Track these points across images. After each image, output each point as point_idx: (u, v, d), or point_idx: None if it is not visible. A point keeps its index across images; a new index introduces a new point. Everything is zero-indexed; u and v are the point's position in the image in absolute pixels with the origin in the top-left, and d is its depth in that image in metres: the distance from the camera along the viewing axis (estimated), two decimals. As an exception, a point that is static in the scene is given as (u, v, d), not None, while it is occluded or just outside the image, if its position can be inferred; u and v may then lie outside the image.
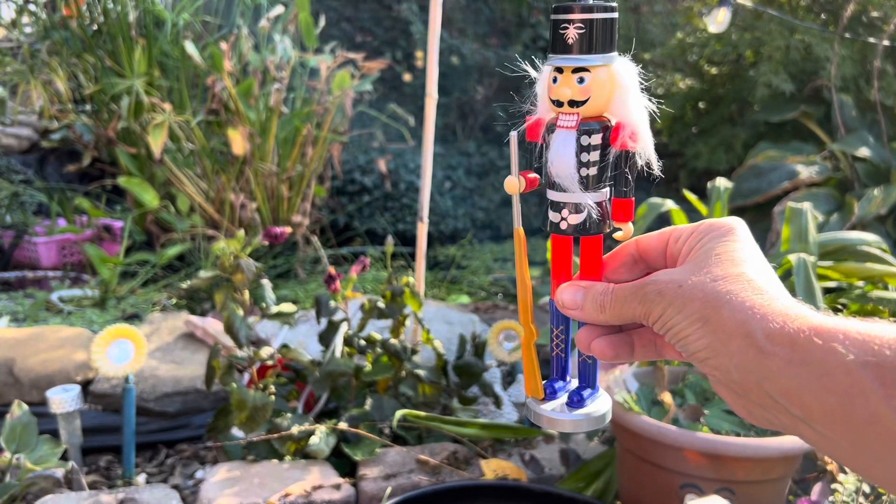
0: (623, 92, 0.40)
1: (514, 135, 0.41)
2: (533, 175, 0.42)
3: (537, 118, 0.42)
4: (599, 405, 0.45)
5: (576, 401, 0.45)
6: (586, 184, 0.41)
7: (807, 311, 0.35)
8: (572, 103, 0.40)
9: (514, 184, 0.41)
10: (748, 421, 0.37)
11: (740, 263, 0.38)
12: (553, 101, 0.40)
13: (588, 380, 0.45)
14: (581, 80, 0.39)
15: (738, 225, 0.41)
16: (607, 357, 0.42)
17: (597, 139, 0.41)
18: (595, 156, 0.41)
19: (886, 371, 0.31)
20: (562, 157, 0.40)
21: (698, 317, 0.36)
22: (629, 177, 0.42)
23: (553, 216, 0.42)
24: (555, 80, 0.40)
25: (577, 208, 0.41)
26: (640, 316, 0.39)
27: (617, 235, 0.43)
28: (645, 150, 0.41)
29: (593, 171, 0.41)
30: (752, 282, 0.37)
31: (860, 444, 0.32)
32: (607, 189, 0.42)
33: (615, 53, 0.40)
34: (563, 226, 0.42)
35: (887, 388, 0.31)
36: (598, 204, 0.41)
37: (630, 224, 0.43)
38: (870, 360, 0.31)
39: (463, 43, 3.75)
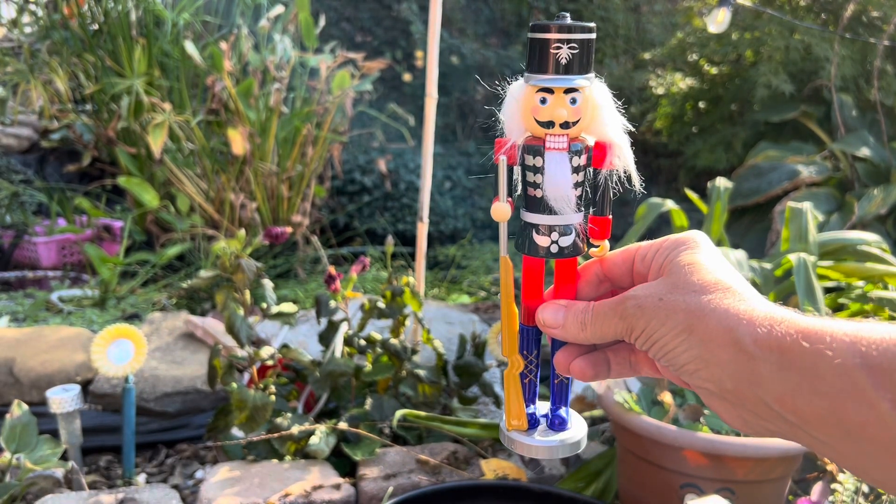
0: (602, 111, 0.40)
1: (503, 159, 0.40)
2: (509, 199, 0.42)
3: (508, 140, 0.41)
4: (575, 431, 0.44)
5: (557, 423, 0.44)
6: (578, 205, 0.41)
7: (792, 314, 0.35)
8: (564, 124, 0.39)
9: (503, 210, 0.40)
10: (744, 431, 0.37)
11: (716, 272, 0.37)
12: (542, 123, 0.40)
13: (564, 400, 0.45)
14: (573, 101, 0.39)
15: (702, 238, 0.40)
16: (587, 377, 0.42)
17: (583, 160, 0.40)
18: (581, 176, 0.41)
19: (875, 373, 0.31)
20: (558, 180, 0.40)
21: (683, 328, 0.36)
22: (610, 195, 0.41)
23: (541, 240, 0.41)
24: (543, 101, 0.39)
25: (565, 230, 0.41)
26: (622, 332, 0.39)
27: (594, 252, 0.43)
28: (628, 167, 0.41)
29: (579, 191, 0.41)
30: (731, 289, 0.36)
31: (855, 446, 0.32)
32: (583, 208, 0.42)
33: (593, 74, 0.40)
34: (554, 249, 0.41)
35: (877, 389, 0.31)
36: (580, 224, 0.41)
37: (606, 241, 0.43)
38: (858, 363, 0.31)
39: (463, 43, 3.75)
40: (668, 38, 3.50)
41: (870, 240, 1.54)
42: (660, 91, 3.20)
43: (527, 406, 0.45)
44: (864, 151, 2.38)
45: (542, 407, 0.46)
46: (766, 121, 2.76)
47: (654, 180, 3.60)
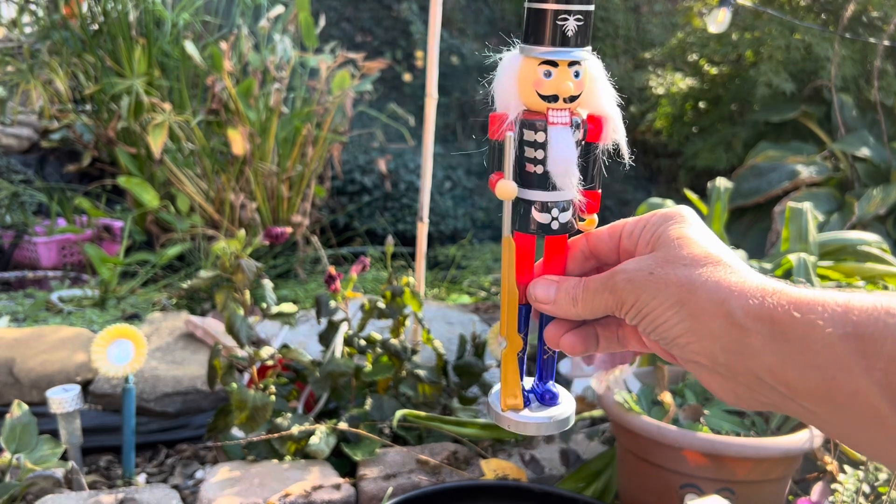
0: (597, 84, 0.40)
1: (510, 135, 0.39)
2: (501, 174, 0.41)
3: (502, 114, 0.40)
4: (564, 408, 0.44)
5: (549, 397, 0.44)
6: (580, 180, 0.40)
7: (784, 285, 0.35)
8: (568, 98, 0.39)
9: (510, 189, 0.39)
10: (737, 405, 0.37)
11: (706, 245, 0.37)
12: (545, 97, 0.39)
13: (551, 375, 0.45)
14: (577, 74, 0.39)
15: (689, 211, 0.40)
16: (577, 352, 0.42)
17: (580, 134, 0.40)
18: (580, 150, 0.40)
19: (866, 342, 0.31)
20: (564, 155, 0.39)
21: (675, 301, 0.36)
22: (601, 169, 0.41)
23: (542, 217, 0.40)
24: (548, 74, 0.38)
25: (564, 206, 0.40)
26: (613, 306, 0.38)
27: (582, 225, 0.42)
28: (620, 141, 0.41)
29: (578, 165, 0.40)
30: (721, 261, 0.36)
31: (845, 416, 0.32)
32: None
33: (590, 47, 0.40)
34: (555, 226, 0.41)
35: (868, 359, 0.30)
36: (577, 199, 0.41)
37: (595, 215, 0.42)
38: (849, 332, 0.31)
39: (463, 43, 3.75)
40: (668, 38, 3.50)
41: (870, 240, 1.54)
42: (660, 91, 3.20)
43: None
44: (864, 151, 2.38)
45: (528, 382, 0.46)
46: (766, 121, 2.76)
47: (654, 180, 3.60)
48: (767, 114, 2.71)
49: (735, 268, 0.36)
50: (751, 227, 2.45)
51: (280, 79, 2.49)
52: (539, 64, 0.38)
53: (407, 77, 3.77)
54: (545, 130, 0.39)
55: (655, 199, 1.76)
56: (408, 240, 3.00)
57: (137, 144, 2.59)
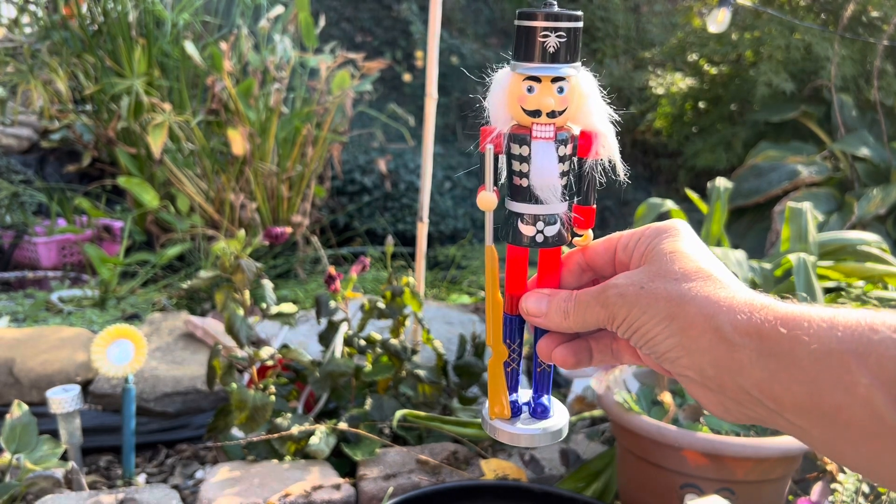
0: (588, 100, 0.40)
1: (490, 148, 0.40)
2: (494, 189, 0.41)
3: (494, 128, 0.41)
4: (557, 419, 0.44)
5: (540, 411, 0.44)
6: (563, 194, 0.41)
7: (772, 301, 0.35)
8: (551, 113, 0.39)
9: (489, 200, 0.40)
10: (725, 418, 0.37)
11: (697, 260, 0.38)
12: (529, 112, 0.39)
13: (546, 388, 0.45)
14: (561, 90, 0.39)
15: (683, 225, 0.40)
16: (568, 365, 0.42)
17: (569, 149, 0.40)
18: (566, 165, 0.41)
19: (851, 356, 0.31)
20: (545, 169, 0.40)
21: (665, 315, 0.36)
22: (595, 185, 0.42)
23: (527, 230, 0.41)
24: (530, 90, 0.39)
25: (550, 220, 0.41)
26: (604, 320, 0.39)
27: (577, 241, 0.43)
28: (613, 157, 0.41)
29: (564, 180, 0.41)
30: (712, 276, 0.36)
31: (832, 431, 0.32)
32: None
33: (580, 62, 0.40)
34: (540, 238, 0.41)
35: (851, 375, 0.31)
36: (565, 213, 0.41)
37: (590, 231, 0.43)
38: (833, 348, 0.31)
39: (463, 43, 3.75)
40: (668, 38, 3.50)
41: (870, 240, 1.54)
42: (660, 91, 3.20)
43: (509, 394, 0.45)
44: (864, 151, 2.38)
45: (525, 395, 0.46)
46: (766, 121, 2.76)
47: (654, 180, 3.60)
48: (767, 114, 2.71)
49: (725, 283, 0.36)
50: (751, 227, 2.45)
51: (280, 79, 2.49)
52: (523, 79, 0.39)
53: (407, 77, 3.77)
54: (529, 144, 0.40)
55: (655, 200, 1.76)
56: (408, 240, 3.00)
57: (137, 144, 2.59)
